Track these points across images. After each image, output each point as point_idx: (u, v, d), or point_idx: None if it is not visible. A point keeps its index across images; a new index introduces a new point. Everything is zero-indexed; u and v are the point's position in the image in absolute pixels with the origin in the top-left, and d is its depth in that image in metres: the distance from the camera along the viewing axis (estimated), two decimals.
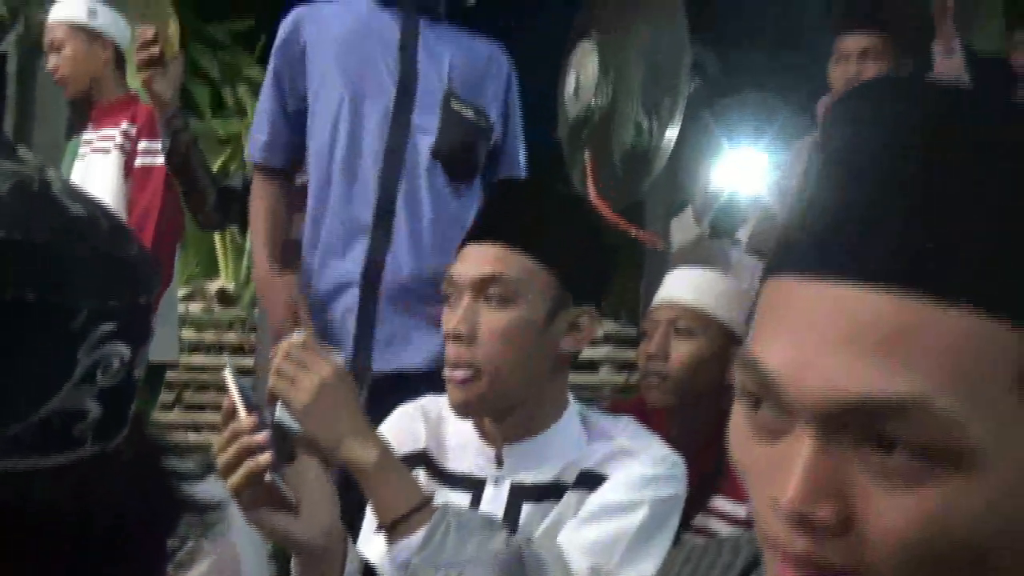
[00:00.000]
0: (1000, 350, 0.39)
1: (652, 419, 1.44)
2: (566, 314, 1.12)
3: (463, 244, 1.16)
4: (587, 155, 2.36)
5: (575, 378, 4.55)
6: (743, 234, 2.59)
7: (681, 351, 1.56)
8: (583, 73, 2.30)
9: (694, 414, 1.57)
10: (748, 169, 2.75)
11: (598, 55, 2.25)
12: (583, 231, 1.18)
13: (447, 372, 1.09)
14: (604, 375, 4.55)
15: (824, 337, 0.41)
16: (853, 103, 0.44)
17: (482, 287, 1.08)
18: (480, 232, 1.15)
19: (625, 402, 2.06)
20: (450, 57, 1.77)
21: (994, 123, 0.40)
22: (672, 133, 2.12)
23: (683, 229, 3.04)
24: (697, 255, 2.81)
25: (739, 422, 0.46)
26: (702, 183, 3.12)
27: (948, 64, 1.87)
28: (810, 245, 0.42)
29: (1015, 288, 0.38)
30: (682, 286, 1.64)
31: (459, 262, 1.13)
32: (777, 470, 0.42)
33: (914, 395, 0.38)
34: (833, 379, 0.40)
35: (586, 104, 2.27)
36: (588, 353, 4.57)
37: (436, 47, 1.77)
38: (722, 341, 1.57)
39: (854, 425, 0.41)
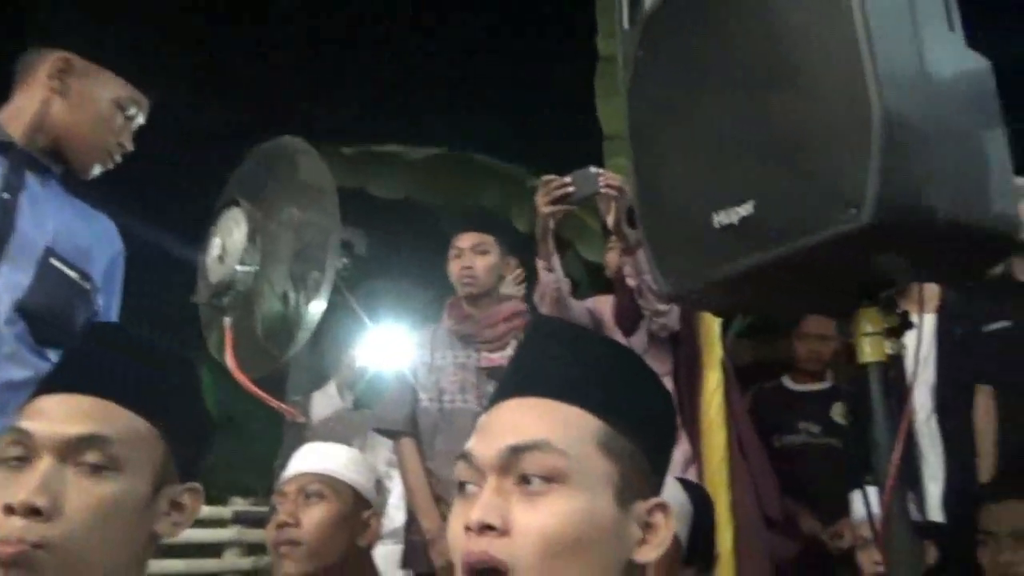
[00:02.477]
0: (589, 426, 0.79)
1: None
2: (171, 489, 0.93)
3: (34, 396, 0.91)
4: (227, 321, 2.28)
5: (197, 564, 4.13)
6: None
7: (313, 515, 1.54)
8: (229, 239, 2.27)
9: None
10: (391, 346, 2.86)
11: (247, 223, 2.23)
12: (188, 389, 1.01)
13: None
14: (230, 559, 4.17)
15: (499, 426, 0.79)
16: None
17: (74, 449, 0.83)
18: (65, 381, 0.89)
19: None
20: (57, 217, 1.62)
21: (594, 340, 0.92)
22: (318, 306, 2.15)
23: (325, 403, 3.02)
24: (338, 428, 2.79)
25: (455, 508, 0.79)
26: (347, 358, 3.16)
27: (547, 279, 2.17)
28: (499, 387, 0.87)
29: (595, 400, 0.80)
30: (311, 457, 1.66)
31: (33, 417, 0.87)
32: (462, 509, 0.78)
33: (542, 438, 0.76)
34: (500, 443, 0.77)
35: (231, 269, 2.22)
36: (213, 535, 4.19)
37: (44, 204, 1.61)
38: (353, 503, 1.58)
39: (512, 467, 0.76)
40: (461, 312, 2.43)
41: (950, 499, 2.26)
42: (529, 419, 0.78)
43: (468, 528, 0.73)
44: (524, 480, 0.75)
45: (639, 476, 0.78)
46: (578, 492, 0.73)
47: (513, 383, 0.83)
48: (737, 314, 1.97)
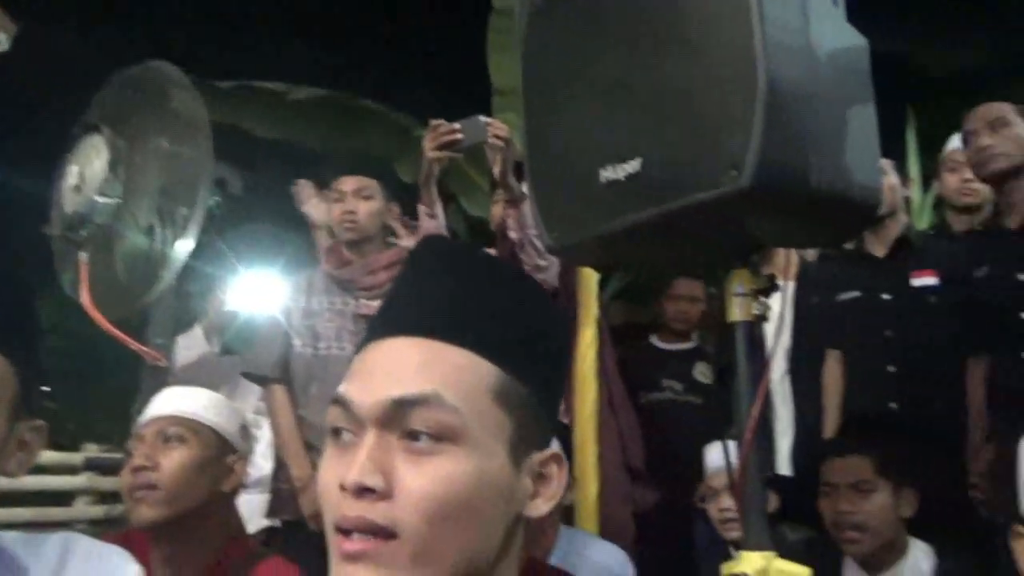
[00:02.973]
0: (483, 374, 0.68)
1: (138, 549, 1.28)
2: (20, 426, 0.89)
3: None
4: (82, 257, 2.13)
5: (45, 512, 3.91)
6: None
7: (172, 458, 1.46)
8: (88, 167, 2.11)
9: (186, 536, 1.45)
10: (263, 290, 2.77)
11: (108, 151, 2.08)
12: (33, 319, 0.96)
13: None
14: (80, 507, 3.98)
15: (381, 371, 0.68)
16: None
17: None
18: None
19: (113, 535, 1.81)
20: None
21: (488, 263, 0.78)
22: (185, 245, 2.04)
23: (189, 346, 2.90)
24: (202, 373, 2.68)
25: (327, 456, 0.69)
26: (215, 301, 3.04)
27: (429, 224, 2.15)
28: (377, 322, 0.73)
29: (490, 342, 0.69)
30: (171, 399, 1.57)
31: None
32: (347, 466, 0.65)
33: (432, 392, 0.65)
34: (381, 393, 0.66)
35: (88, 200, 2.07)
36: (63, 483, 3.98)
37: None
38: (216, 447, 1.51)
39: (396, 422, 0.66)
40: (340, 257, 2.37)
41: (797, 453, 2.43)
42: (415, 366, 0.67)
43: (343, 487, 0.65)
44: (410, 436, 0.65)
45: (534, 426, 0.70)
46: (470, 452, 0.65)
47: (395, 319, 0.71)
48: (616, 271, 2.01)
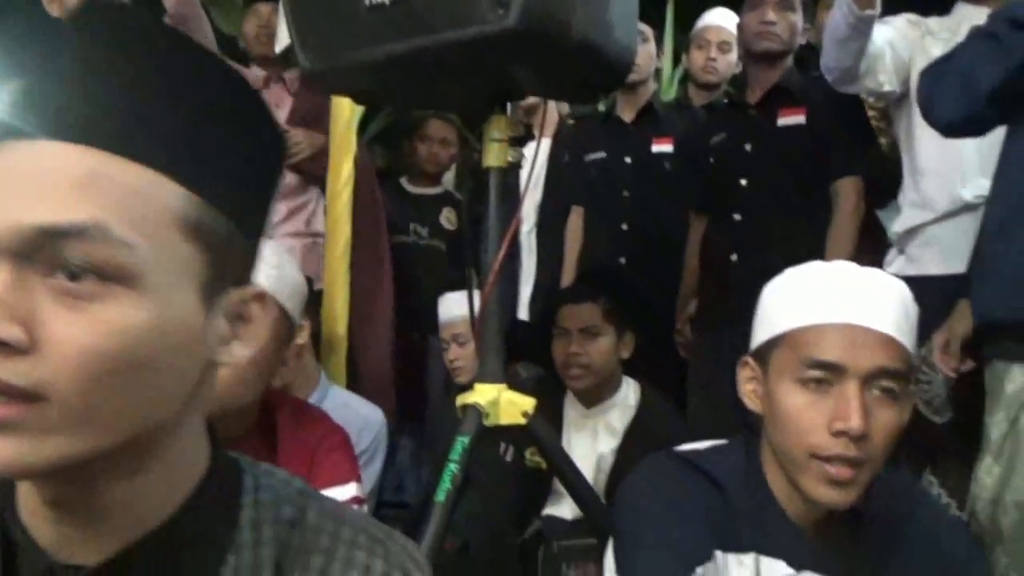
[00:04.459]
0: (166, 198, 0.52)
1: None
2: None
3: None
4: None
5: None
6: None
7: None
8: None
9: None
10: None
11: None
12: None
13: None
14: None
15: (17, 184, 0.49)
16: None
17: None
18: None
19: None
20: None
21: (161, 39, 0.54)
22: None
23: None
24: None
25: None
26: None
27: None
28: (7, 110, 0.50)
29: (178, 155, 0.52)
30: None
31: None
32: None
33: (93, 221, 0.49)
34: (17, 215, 0.48)
35: None
36: None
37: None
38: None
39: (43, 256, 0.49)
40: None
41: (536, 300, 2.58)
42: (71, 183, 0.49)
43: None
44: (65, 274, 0.49)
45: (232, 261, 0.56)
46: (146, 296, 0.50)
47: (40, 111, 0.50)
48: (372, 104, 1.92)
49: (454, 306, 2.28)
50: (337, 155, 2.30)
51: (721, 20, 2.63)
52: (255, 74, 2.54)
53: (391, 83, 1.30)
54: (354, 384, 2.20)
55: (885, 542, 0.99)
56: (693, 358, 2.27)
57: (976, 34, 1.49)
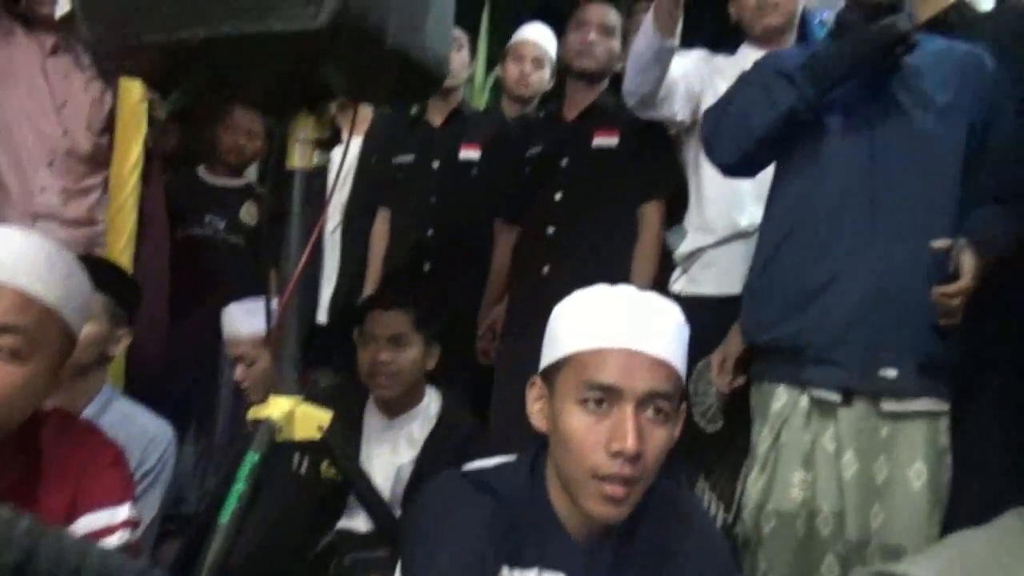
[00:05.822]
0: None
1: None
2: None
3: None
4: None
5: None
6: None
7: None
8: None
9: None
10: None
11: None
12: None
13: None
14: None
15: None
16: None
17: None
18: None
19: None
20: None
21: None
22: None
23: None
24: None
25: None
26: None
27: None
28: None
29: None
30: None
31: None
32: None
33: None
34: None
35: None
36: None
37: None
38: None
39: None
40: None
41: (336, 303, 2.50)
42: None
43: None
44: None
45: None
46: None
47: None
48: (168, 89, 1.77)
49: (238, 322, 2.06)
50: (125, 136, 2.11)
51: (537, 36, 2.68)
52: (44, 42, 2.15)
53: (186, 69, 1.20)
54: (130, 384, 2.03)
55: (655, 554, 1.04)
56: (499, 368, 2.28)
57: (749, 80, 1.63)
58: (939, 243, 1.46)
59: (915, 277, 1.47)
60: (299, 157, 1.29)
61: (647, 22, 1.82)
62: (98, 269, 1.64)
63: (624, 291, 1.05)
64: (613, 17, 2.25)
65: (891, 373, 1.49)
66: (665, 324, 1.02)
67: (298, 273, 1.27)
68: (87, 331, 1.36)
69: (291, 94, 1.30)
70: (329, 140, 1.32)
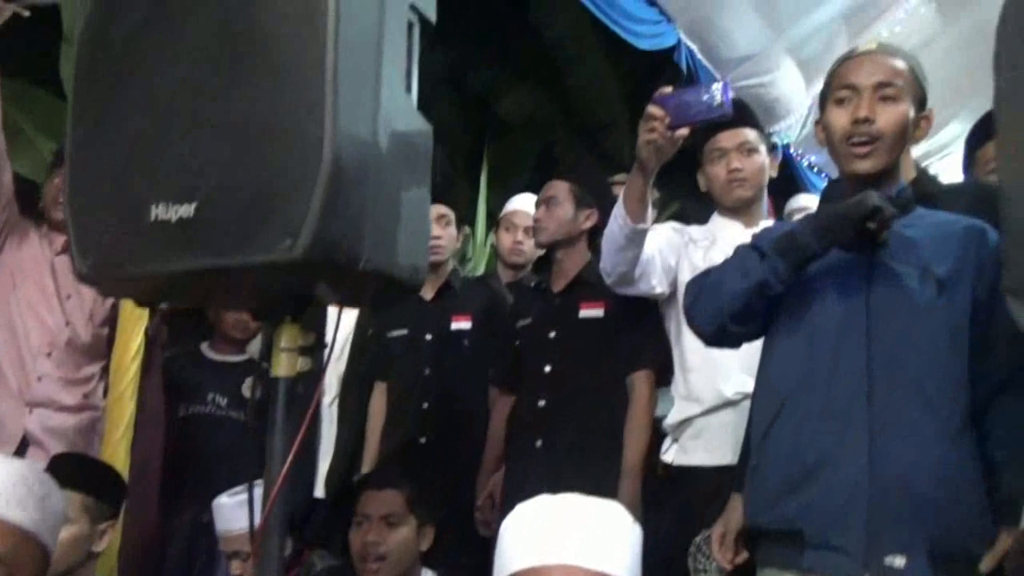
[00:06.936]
0: None
1: None
2: None
3: None
4: None
5: None
6: None
7: None
8: None
9: None
10: None
11: None
12: None
13: None
14: None
15: None
16: None
17: None
18: None
19: None
20: None
21: None
22: None
23: None
24: None
25: None
26: None
27: None
28: None
29: None
30: None
31: None
32: None
33: None
34: None
35: None
36: None
37: None
38: None
39: None
40: None
41: (332, 477, 2.49)
42: None
43: None
44: None
45: None
46: None
47: None
48: (156, 306, 1.86)
49: (231, 517, 2.04)
50: (127, 326, 2.18)
51: (528, 206, 2.80)
52: (54, 241, 2.31)
53: (174, 292, 1.27)
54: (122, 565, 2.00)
55: None
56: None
57: (734, 254, 1.66)
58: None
59: (920, 452, 1.41)
60: (282, 367, 1.33)
61: (618, 207, 1.89)
62: (81, 467, 1.67)
63: (568, 502, 1.05)
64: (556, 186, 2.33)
65: (899, 561, 1.40)
66: (611, 535, 1.02)
67: (280, 481, 1.28)
68: (67, 534, 1.37)
69: (276, 302, 1.35)
70: (312, 346, 1.36)
